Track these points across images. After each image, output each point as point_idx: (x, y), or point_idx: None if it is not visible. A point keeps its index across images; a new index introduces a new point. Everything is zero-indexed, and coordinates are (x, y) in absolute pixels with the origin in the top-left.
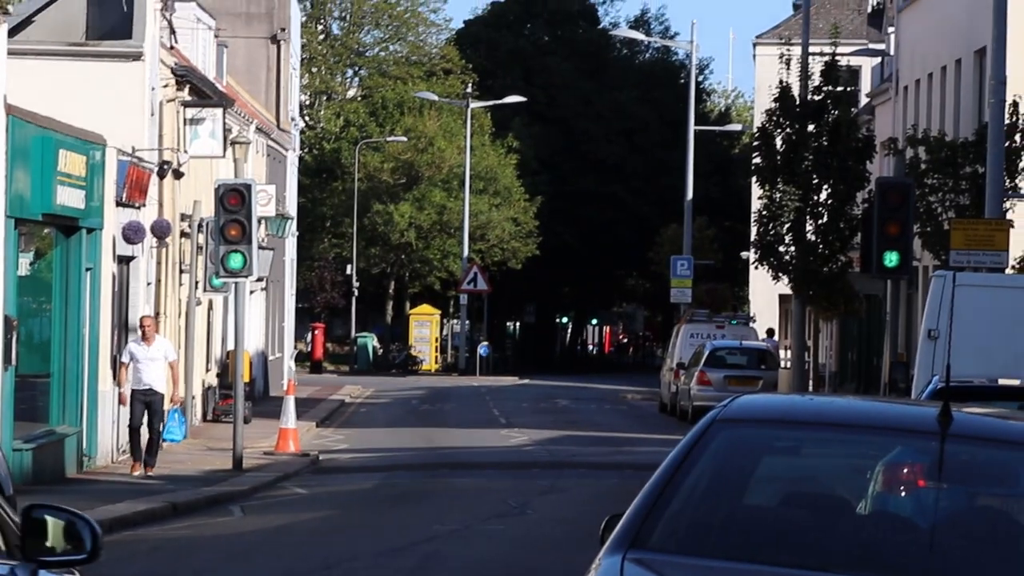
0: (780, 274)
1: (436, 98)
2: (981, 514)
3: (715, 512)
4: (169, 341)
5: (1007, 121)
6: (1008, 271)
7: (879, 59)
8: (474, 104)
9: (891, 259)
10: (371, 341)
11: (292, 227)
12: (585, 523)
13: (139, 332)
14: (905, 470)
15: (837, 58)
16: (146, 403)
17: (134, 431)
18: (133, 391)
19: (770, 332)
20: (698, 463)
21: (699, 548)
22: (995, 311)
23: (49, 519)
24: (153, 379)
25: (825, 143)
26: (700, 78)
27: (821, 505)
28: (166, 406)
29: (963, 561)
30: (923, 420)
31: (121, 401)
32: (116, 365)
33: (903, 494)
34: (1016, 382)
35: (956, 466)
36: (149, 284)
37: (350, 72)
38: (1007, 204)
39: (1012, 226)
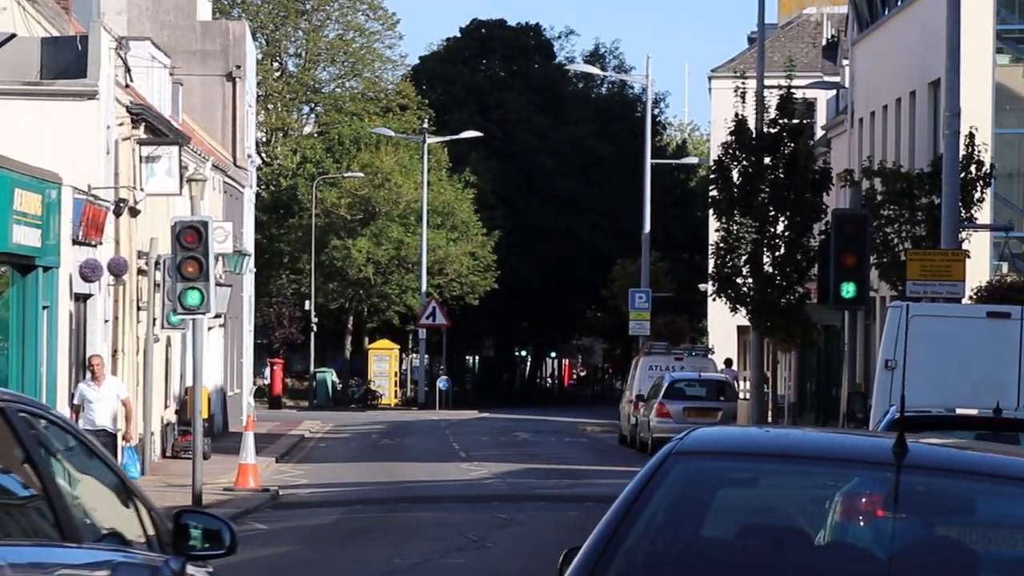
0: (738, 306)
1: (392, 134)
2: (938, 544)
3: (672, 545)
4: (118, 379)
5: (962, 152)
6: (965, 301)
7: (834, 91)
8: (431, 139)
9: (848, 290)
10: (330, 376)
11: (250, 263)
12: (545, 556)
13: (88, 372)
14: (863, 500)
15: (792, 91)
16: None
17: None
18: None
19: (728, 362)
20: (654, 496)
21: None
22: (951, 341)
23: (191, 522)
24: (106, 420)
25: (781, 175)
26: (656, 111)
27: (778, 536)
28: (120, 444)
29: None
30: (879, 451)
31: None
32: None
33: (861, 524)
34: (973, 411)
35: (912, 496)
36: (107, 322)
37: (306, 108)
38: (963, 235)
39: (968, 256)
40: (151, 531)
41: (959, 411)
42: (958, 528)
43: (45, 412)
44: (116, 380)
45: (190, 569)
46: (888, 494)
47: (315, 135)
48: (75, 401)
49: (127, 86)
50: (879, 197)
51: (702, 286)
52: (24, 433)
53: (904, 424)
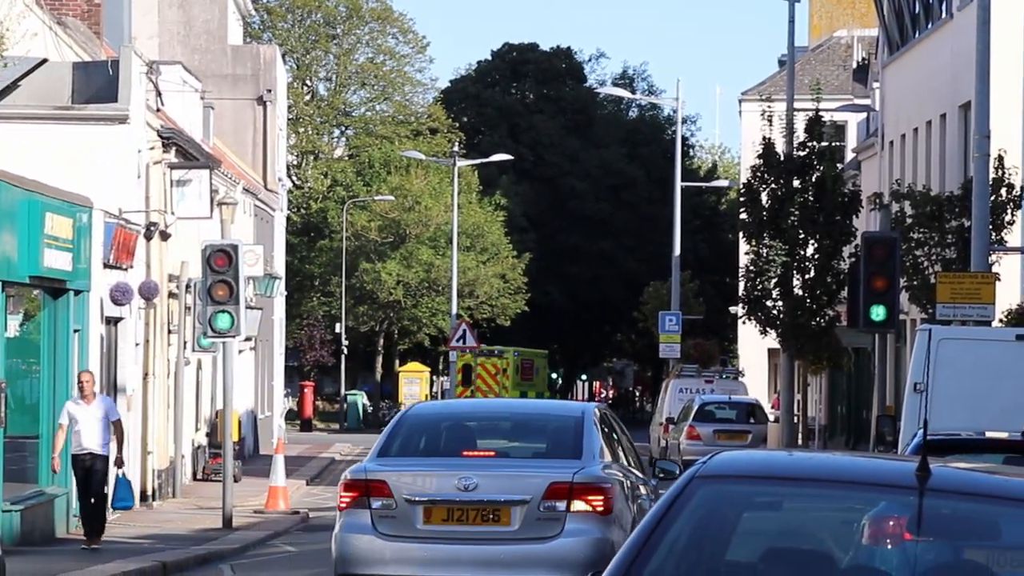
0: (768, 328)
1: (423, 157)
2: (961, 568)
3: (696, 568)
4: (110, 399)
5: (992, 175)
6: (995, 324)
7: (864, 114)
8: (461, 163)
9: (878, 313)
10: (361, 399)
11: (280, 286)
12: None
13: (77, 390)
14: (890, 524)
15: (821, 114)
16: (85, 469)
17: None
18: (73, 456)
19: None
20: (678, 519)
21: None
22: (980, 364)
23: None
24: (92, 442)
25: (811, 198)
26: (686, 134)
27: (802, 560)
28: (111, 469)
29: None
30: (902, 474)
31: (53, 467)
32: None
33: (888, 548)
34: (1003, 435)
35: (935, 520)
36: (137, 345)
37: (337, 132)
38: (993, 257)
39: (998, 279)
40: None
41: (988, 434)
42: (982, 552)
43: None
44: (107, 400)
45: None
46: (911, 518)
47: (345, 158)
48: (61, 420)
49: (158, 110)
50: (909, 220)
51: (732, 309)
52: None
53: (933, 447)
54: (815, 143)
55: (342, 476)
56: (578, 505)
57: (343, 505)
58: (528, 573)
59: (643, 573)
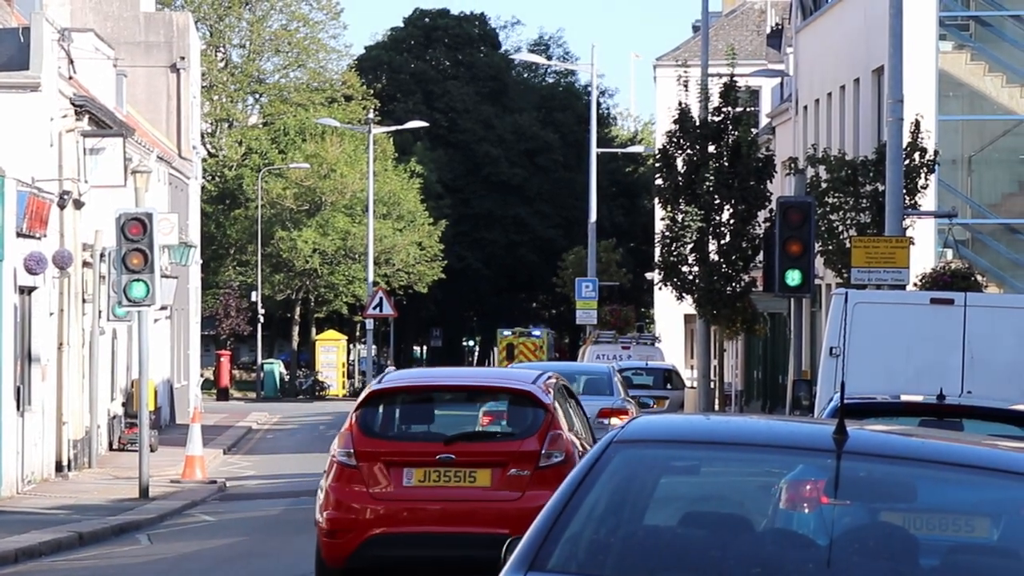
0: (684, 294)
1: (338, 124)
2: (878, 530)
3: (614, 533)
4: None
5: (906, 139)
6: (910, 288)
7: (779, 79)
8: (376, 130)
9: (793, 278)
10: (277, 367)
11: (195, 255)
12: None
13: None
14: (808, 487)
15: (735, 79)
16: None
17: None
18: None
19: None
20: (596, 484)
21: (598, 569)
22: (895, 328)
23: None
24: None
25: (726, 164)
26: (602, 100)
27: (720, 524)
28: None
29: None
30: (820, 438)
31: None
32: (18, 396)
33: (805, 511)
34: (918, 398)
35: (852, 483)
36: (51, 314)
37: (251, 99)
38: (907, 222)
39: (912, 243)
40: None
41: (904, 397)
42: (899, 514)
43: None
44: None
45: None
46: (828, 481)
47: (260, 126)
48: None
49: (70, 78)
50: (823, 184)
51: (649, 275)
52: None
53: (849, 411)
54: (730, 108)
55: None
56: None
57: None
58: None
59: (562, 538)
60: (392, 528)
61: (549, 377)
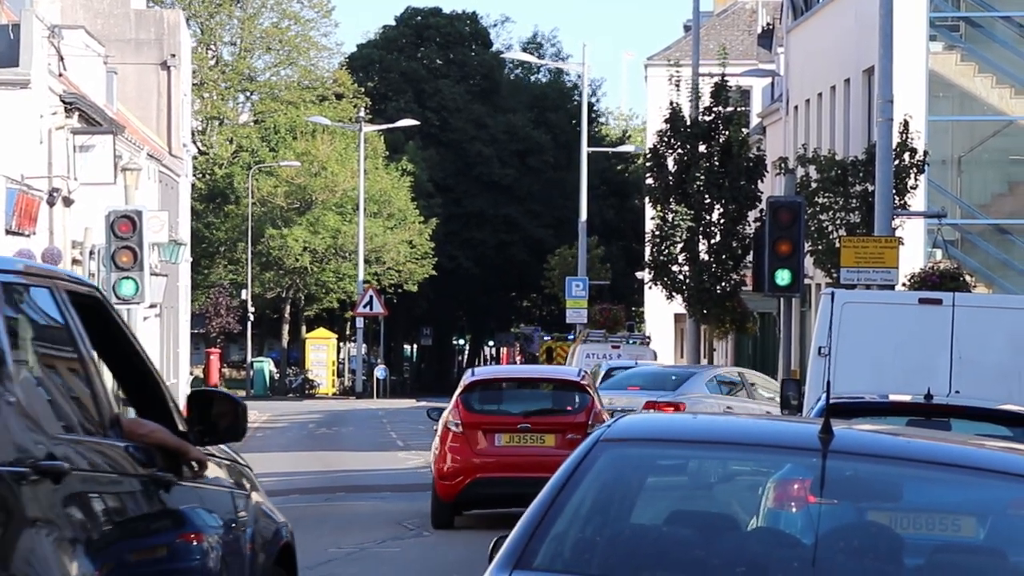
0: (674, 293)
1: (328, 122)
2: (863, 529)
3: (600, 531)
4: None
5: (896, 140)
6: (899, 288)
7: (769, 79)
8: (367, 128)
9: (783, 277)
10: (267, 366)
11: (185, 253)
12: (481, 544)
13: None
14: (795, 487)
15: (726, 78)
16: None
17: None
18: None
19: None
20: (583, 483)
21: (584, 568)
22: (884, 327)
23: None
24: None
25: (716, 163)
26: (593, 100)
27: (707, 523)
28: None
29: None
30: (806, 437)
31: None
32: None
33: (789, 511)
34: (906, 397)
35: (838, 482)
36: None
37: (242, 97)
38: (896, 222)
39: (902, 243)
40: None
41: (892, 397)
42: (885, 513)
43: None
44: None
45: None
46: (815, 480)
47: (251, 124)
48: None
49: (60, 75)
50: (814, 184)
51: (639, 274)
52: None
53: (837, 411)
54: (721, 108)
55: None
56: None
57: None
58: None
59: (548, 536)
60: (488, 474)
61: (586, 373)
